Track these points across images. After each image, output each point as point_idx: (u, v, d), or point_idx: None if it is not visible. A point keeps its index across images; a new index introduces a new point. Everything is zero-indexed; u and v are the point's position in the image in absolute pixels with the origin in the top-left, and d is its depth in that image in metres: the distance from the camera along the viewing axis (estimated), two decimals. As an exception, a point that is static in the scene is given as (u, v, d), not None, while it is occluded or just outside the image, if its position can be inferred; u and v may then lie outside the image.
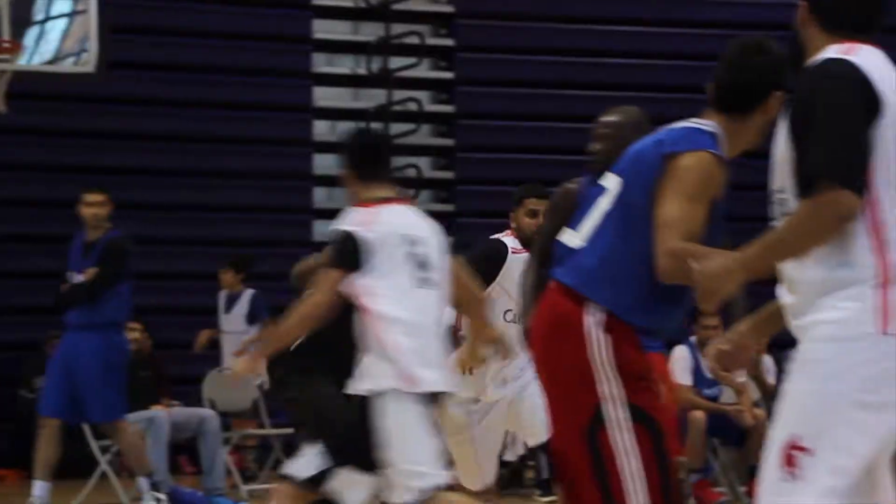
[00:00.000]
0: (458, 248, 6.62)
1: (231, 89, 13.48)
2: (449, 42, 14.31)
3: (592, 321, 3.77)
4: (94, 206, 8.90)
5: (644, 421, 3.78)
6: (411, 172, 13.42)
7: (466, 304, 5.68)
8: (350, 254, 5.24)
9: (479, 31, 14.27)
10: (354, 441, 5.31)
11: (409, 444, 5.20)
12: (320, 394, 5.72)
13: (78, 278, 8.87)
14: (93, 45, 10.06)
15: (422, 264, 5.31)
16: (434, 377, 5.26)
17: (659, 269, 3.62)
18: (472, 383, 6.43)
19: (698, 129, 3.81)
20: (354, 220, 5.32)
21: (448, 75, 14.27)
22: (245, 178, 13.48)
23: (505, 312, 6.46)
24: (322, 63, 14.04)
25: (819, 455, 3.02)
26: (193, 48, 13.61)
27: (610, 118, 5.13)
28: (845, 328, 3.07)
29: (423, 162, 13.77)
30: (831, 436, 3.04)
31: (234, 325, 11.09)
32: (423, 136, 14.05)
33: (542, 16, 14.13)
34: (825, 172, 2.97)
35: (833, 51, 3.10)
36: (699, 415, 9.82)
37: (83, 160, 12.81)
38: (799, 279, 3.11)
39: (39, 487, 8.78)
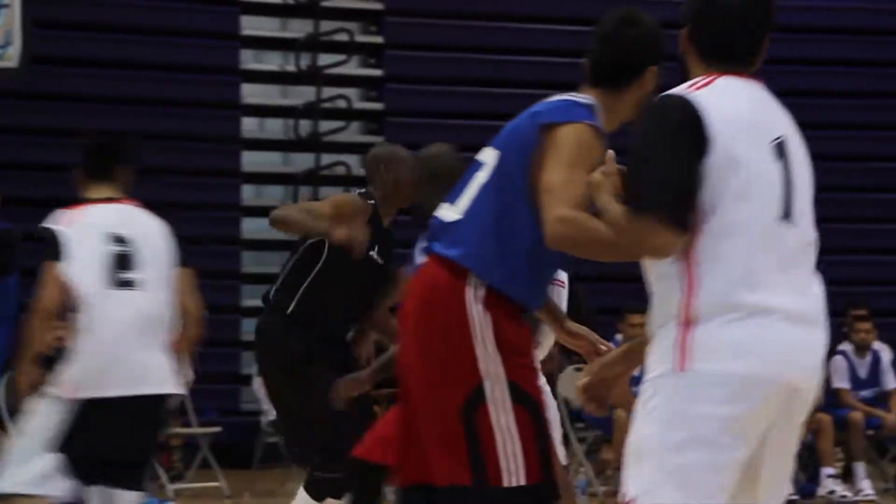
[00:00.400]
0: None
1: (158, 85, 13.38)
2: (378, 39, 14.33)
3: (473, 296, 3.66)
4: None
5: (524, 400, 3.68)
6: (340, 170, 13.45)
7: (182, 313, 5.51)
8: (52, 247, 5.29)
9: (408, 29, 14.29)
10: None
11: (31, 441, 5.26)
12: None
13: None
14: (17, 41, 9.97)
15: (123, 264, 5.29)
16: (106, 382, 5.21)
17: (549, 236, 3.47)
18: None
19: (575, 101, 3.76)
20: (59, 218, 5.40)
21: (377, 72, 14.28)
22: (173, 174, 13.38)
23: None
24: (250, 60, 13.99)
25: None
26: (120, 44, 13.48)
27: None
28: (656, 365, 3.06)
29: (353, 159, 13.76)
30: (645, 483, 3.00)
31: None
32: (353, 133, 14.09)
33: (471, 13, 14.17)
34: (646, 206, 2.97)
35: (685, 84, 3.09)
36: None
37: (7, 157, 12.65)
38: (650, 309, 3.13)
39: None
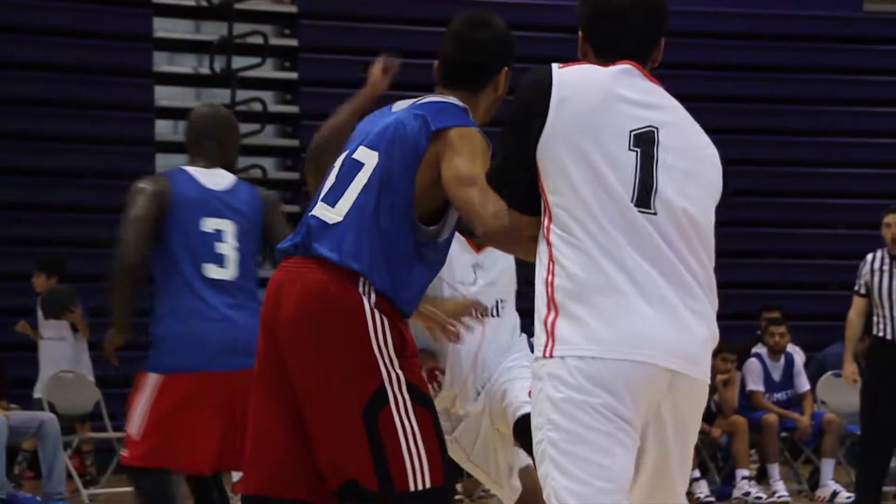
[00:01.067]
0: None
1: (71, 87, 13.44)
2: (292, 42, 14.51)
3: (368, 300, 3.66)
4: None
5: (424, 401, 3.72)
6: (256, 173, 13.49)
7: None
8: None
9: (323, 32, 14.50)
10: None
11: None
12: None
13: None
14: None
15: None
16: None
17: (486, 231, 3.49)
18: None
19: (455, 104, 3.79)
20: None
21: (292, 76, 14.46)
22: (86, 177, 13.44)
23: None
24: (164, 62, 14.07)
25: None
26: (33, 45, 13.51)
27: None
28: (535, 350, 3.19)
29: (268, 162, 13.95)
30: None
31: (51, 330, 10.86)
32: (268, 136, 14.23)
33: (385, 17, 14.40)
34: (495, 188, 3.30)
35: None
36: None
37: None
38: None
39: None
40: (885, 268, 9.44)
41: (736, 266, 13.84)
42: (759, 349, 11.47)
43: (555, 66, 3.18)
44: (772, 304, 11.68)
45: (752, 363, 11.36)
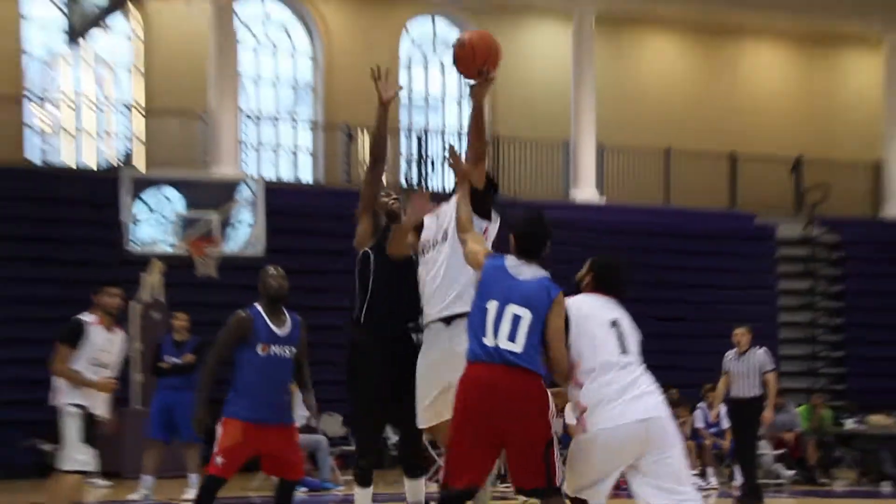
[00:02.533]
0: None
1: None
2: None
3: (545, 391, 5.93)
4: None
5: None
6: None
7: None
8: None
9: None
10: None
11: None
12: None
13: None
14: None
15: None
16: None
17: (564, 376, 6.19)
18: None
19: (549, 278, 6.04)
20: None
21: None
22: None
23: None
24: None
25: None
26: None
27: None
28: None
29: None
30: None
31: None
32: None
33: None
34: None
35: None
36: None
37: None
38: None
39: None
40: (732, 358, 13.27)
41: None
42: (702, 404, 16.49)
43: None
44: (706, 382, 16.22)
45: (698, 412, 16.46)
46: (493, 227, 6.54)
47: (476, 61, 6.38)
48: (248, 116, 21.06)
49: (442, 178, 22.09)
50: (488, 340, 5.91)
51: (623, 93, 22.86)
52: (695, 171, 22.06)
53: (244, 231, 16.65)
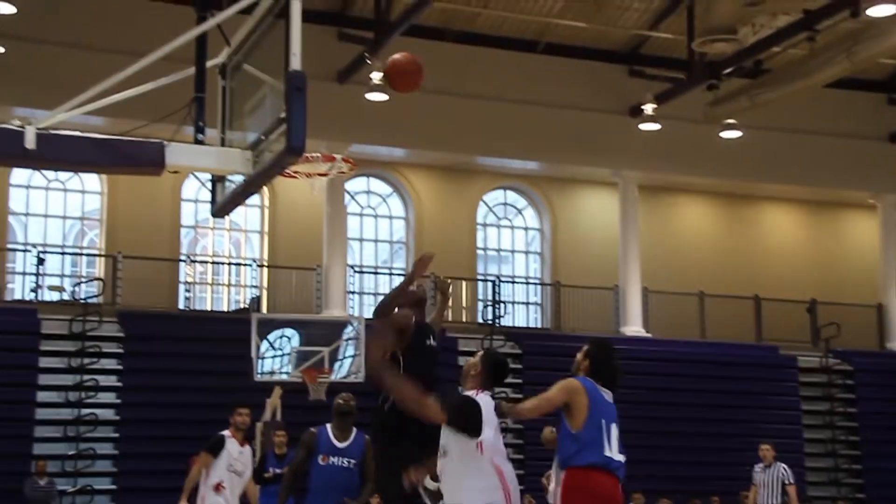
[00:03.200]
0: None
1: None
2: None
3: None
4: None
5: None
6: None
7: None
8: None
9: None
10: None
11: None
12: None
13: None
14: None
15: None
16: None
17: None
18: None
19: None
20: None
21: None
22: None
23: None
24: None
25: None
26: None
27: None
28: None
29: None
30: None
31: None
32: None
33: None
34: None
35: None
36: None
37: None
38: None
39: None
40: (759, 471, 13.17)
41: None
42: None
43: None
44: (740, 489, 16.41)
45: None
46: (487, 434, 5.39)
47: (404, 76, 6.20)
48: (353, 268, 21.54)
49: (513, 318, 22.28)
50: (610, 453, 5.44)
51: (663, 246, 23.22)
52: (725, 310, 22.27)
53: (349, 362, 16.89)
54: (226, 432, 9.32)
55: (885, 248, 23.66)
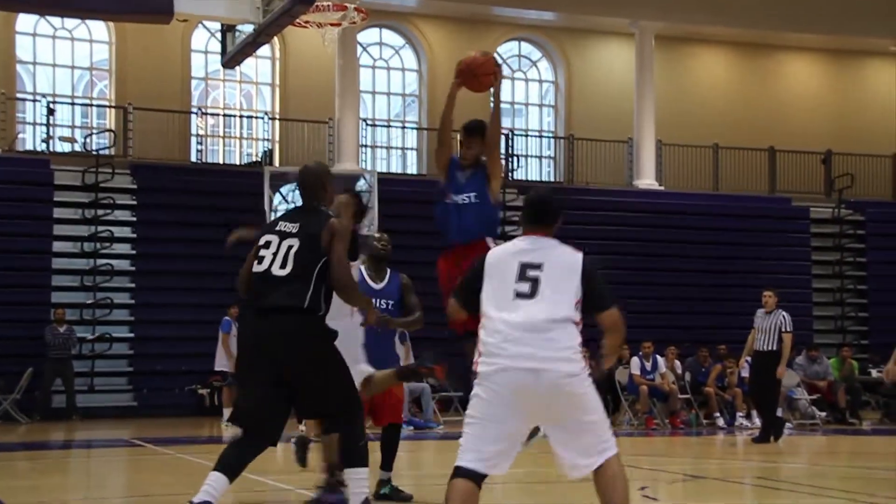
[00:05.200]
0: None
1: None
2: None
3: None
4: None
5: None
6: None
7: None
8: None
9: None
10: None
11: None
12: None
13: None
14: None
15: None
16: None
17: None
18: None
19: None
20: None
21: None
22: None
23: None
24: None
25: None
26: None
27: None
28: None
29: None
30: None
31: None
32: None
33: None
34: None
35: None
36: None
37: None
38: None
39: None
40: (760, 316, 12.91)
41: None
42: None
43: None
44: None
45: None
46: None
47: (479, 78, 6.04)
48: (366, 121, 21.17)
49: (525, 172, 22.00)
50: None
51: (678, 98, 22.75)
52: (740, 162, 22.12)
53: (362, 215, 16.71)
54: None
55: (904, 95, 23.17)
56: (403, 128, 22.18)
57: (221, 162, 20.70)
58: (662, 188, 21.62)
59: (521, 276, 4.59)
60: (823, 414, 16.74)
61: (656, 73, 21.77)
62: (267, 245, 5.14)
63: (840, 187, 21.95)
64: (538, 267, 4.58)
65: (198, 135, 20.02)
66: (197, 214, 18.06)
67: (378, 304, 6.60)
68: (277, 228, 5.21)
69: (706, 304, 20.18)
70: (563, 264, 4.63)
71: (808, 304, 21.09)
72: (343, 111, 19.83)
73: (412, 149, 22.12)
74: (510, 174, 20.67)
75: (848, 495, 7.62)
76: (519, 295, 4.55)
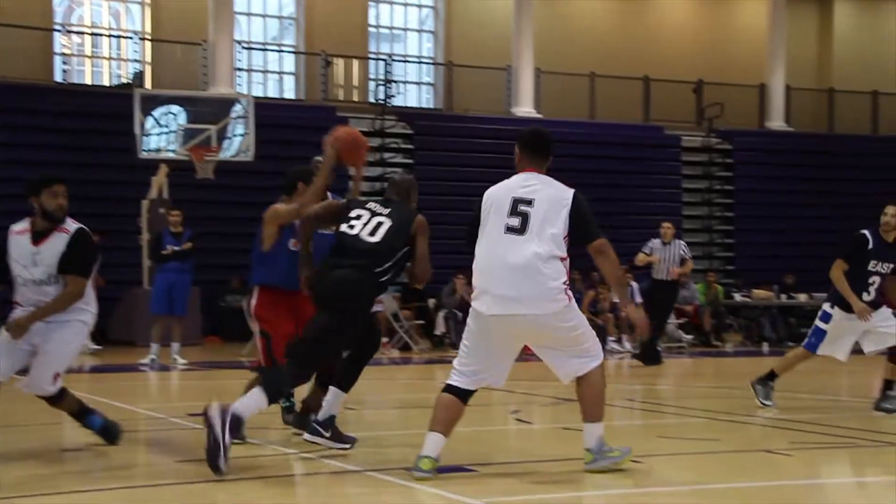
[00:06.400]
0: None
1: None
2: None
3: None
4: None
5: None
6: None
7: None
8: None
9: None
10: None
11: None
12: None
13: None
14: None
15: None
16: None
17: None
18: None
19: None
20: None
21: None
22: None
23: None
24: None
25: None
26: None
27: None
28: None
29: None
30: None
31: None
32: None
33: None
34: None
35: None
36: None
37: None
38: None
39: None
40: (658, 246, 13.17)
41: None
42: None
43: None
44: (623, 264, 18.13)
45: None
46: None
47: (360, 150, 6.29)
48: (241, 44, 20.59)
49: (404, 98, 21.79)
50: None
51: (556, 25, 22.73)
52: (615, 90, 22.22)
53: (237, 141, 16.38)
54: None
55: (772, 28, 23.63)
56: (280, 51, 21.67)
57: (89, 83, 19.87)
58: (540, 116, 21.67)
59: (513, 211, 4.96)
60: (690, 337, 17.14)
61: (535, 0, 21.72)
62: (358, 217, 5.77)
63: (710, 116, 22.41)
64: (529, 203, 4.94)
65: (62, 54, 19.15)
66: (64, 137, 17.41)
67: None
68: (367, 206, 5.87)
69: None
70: (552, 200, 4.97)
71: (678, 230, 21.40)
72: (217, 33, 19.23)
73: (290, 73, 21.66)
74: (388, 100, 20.39)
75: (708, 414, 8.07)
76: (510, 229, 4.94)
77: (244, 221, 13.15)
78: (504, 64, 21.63)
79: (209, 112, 16.44)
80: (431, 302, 17.17)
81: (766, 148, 23.01)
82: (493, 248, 4.94)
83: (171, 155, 16.21)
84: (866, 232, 7.80)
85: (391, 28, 22.70)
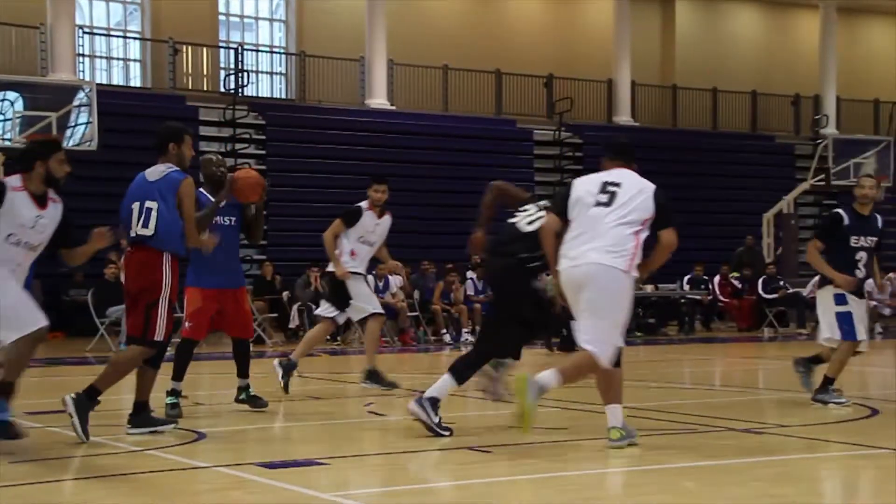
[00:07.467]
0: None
1: None
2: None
3: None
4: None
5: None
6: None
7: None
8: None
9: None
10: None
11: None
12: None
13: None
14: None
15: None
16: None
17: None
18: None
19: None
20: None
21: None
22: None
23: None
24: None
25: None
26: None
27: None
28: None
29: None
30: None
31: None
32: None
33: None
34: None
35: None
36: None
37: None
38: None
39: None
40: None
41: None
42: (471, 274, 17.62)
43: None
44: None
45: (469, 282, 17.99)
46: None
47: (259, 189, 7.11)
48: (83, 28, 19.94)
49: (256, 88, 21.59)
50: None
51: (409, 18, 22.83)
52: (468, 84, 22.54)
53: (81, 129, 15.78)
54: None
55: (617, 26, 24.31)
56: (125, 38, 21.05)
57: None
58: (394, 108, 21.77)
59: (602, 190, 5.71)
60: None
61: (387, -9, 21.76)
62: (524, 210, 6.62)
63: (561, 110, 22.90)
64: (617, 185, 5.68)
65: None
66: None
67: (223, 221, 7.28)
68: (537, 203, 6.71)
69: (434, 223, 20.59)
70: (638, 185, 5.69)
71: (530, 222, 22.09)
72: (56, 16, 18.57)
73: (136, 60, 21.09)
74: (241, 90, 20.11)
75: (560, 404, 8.01)
76: (598, 203, 5.65)
77: (88, 213, 12.66)
78: (357, 55, 21.61)
79: (49, 99, 15.92)
80: (285, 295, 16.98)
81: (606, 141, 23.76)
82: (579, 220, 5.79)
83: (7, 143, 15.55)
84: (840, 210, 7.68)
85: (242, 17, 22.36)
